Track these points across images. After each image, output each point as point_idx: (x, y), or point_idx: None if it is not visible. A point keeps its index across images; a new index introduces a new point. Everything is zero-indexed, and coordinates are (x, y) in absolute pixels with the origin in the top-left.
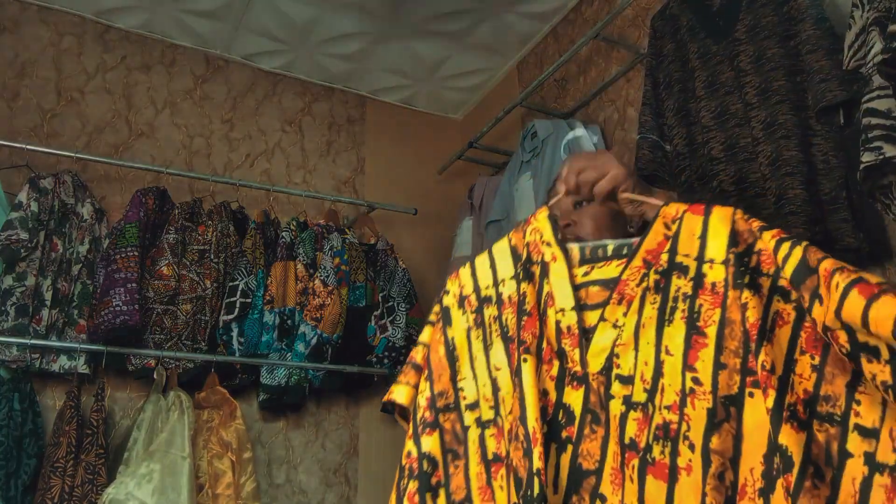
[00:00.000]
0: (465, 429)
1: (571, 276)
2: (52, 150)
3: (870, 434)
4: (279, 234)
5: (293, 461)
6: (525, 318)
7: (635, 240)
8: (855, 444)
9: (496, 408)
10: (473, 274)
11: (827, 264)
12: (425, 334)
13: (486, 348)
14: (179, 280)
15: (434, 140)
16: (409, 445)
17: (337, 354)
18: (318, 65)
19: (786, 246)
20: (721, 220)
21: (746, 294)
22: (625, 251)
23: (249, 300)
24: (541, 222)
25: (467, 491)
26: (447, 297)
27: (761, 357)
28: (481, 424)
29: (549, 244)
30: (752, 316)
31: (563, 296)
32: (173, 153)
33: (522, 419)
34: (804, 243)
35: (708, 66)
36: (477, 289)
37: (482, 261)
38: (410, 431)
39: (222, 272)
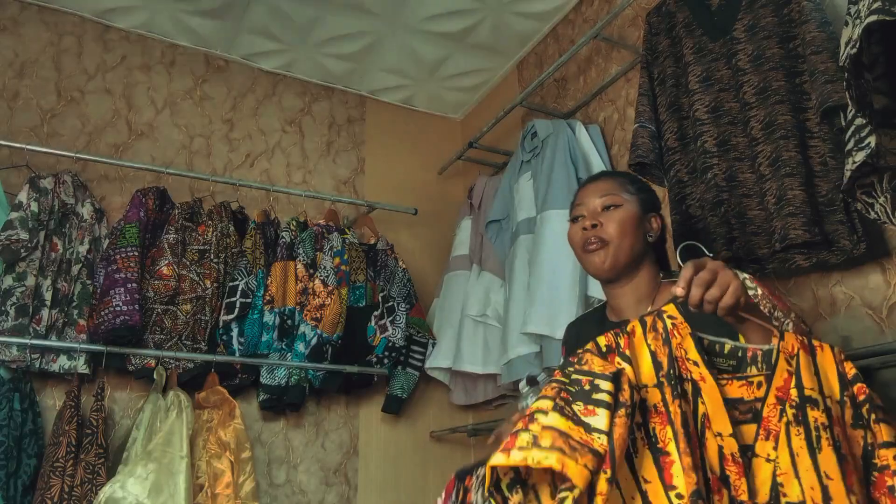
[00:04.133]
0: None
1: (725, 399)
2: (52, 150)
3: None
4: (279, 234)
5: (293, 461)
6: (688, 451)
7: (750, 347)
8: None
9: None
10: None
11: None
12: (602, 420)
13: (632, 456)
14: (179, 280)
15: (434, 140)
16: None
17: (337, 354)
18: (318, 65)
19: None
20: (825, 357)
21: (870, 431)
22: (740, 353)
23: (249, 300)
24: (683, 335)
25: None
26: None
27: None
28: None
29: (696, 363)
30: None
31: (720, 420)
32: (173, 153)
33: None
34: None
35: (703, 62)
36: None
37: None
38: None
39: (222, 272)
